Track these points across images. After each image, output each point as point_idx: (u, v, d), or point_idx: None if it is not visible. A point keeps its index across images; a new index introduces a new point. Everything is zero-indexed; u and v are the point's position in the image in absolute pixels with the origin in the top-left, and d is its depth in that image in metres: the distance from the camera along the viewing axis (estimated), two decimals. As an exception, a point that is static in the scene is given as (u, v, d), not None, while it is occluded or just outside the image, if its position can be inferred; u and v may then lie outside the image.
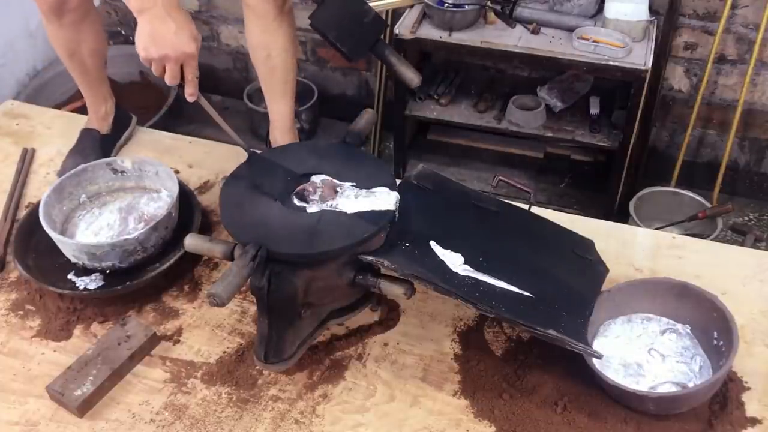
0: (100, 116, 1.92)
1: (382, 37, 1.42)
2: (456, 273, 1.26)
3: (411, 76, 1.42)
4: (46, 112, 2.16)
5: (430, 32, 2.72)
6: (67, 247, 1.48)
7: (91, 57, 1.81)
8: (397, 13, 2.86)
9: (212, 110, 1.38)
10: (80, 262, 1.49)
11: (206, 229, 1.67)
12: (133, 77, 3.51)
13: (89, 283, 1.48)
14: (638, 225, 2.50)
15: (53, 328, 1.45)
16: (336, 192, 1.32)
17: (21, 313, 1.49)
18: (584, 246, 1.47)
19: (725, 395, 1.28)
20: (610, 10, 2.60)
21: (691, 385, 1.27)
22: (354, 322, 1.43)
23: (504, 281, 1.27)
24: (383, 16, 2.84)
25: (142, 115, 3.00)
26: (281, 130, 1.87)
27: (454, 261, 1.27)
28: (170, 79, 1.30)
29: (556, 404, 1.28)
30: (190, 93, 1.34)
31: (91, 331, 1.46)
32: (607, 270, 1.42)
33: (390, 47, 1.44)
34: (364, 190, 1.32)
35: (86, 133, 1.90)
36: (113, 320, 1.47)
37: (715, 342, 1.30)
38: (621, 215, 2.82)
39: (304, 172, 1.37)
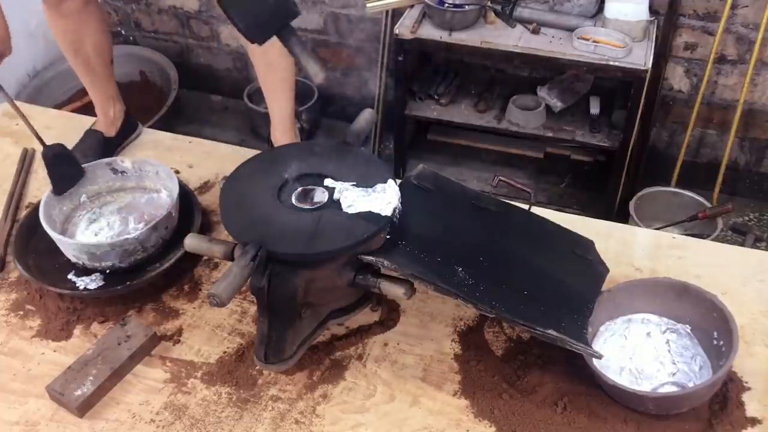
0: (108, 120, 1.91)
1: (292, 24, 1.28)
2: (456, 272, 1.26)
3: (315, 71, 1.31)
4: (47, 112, 2.16)
5: (430, 32, 2.73)
6: (67, 247, 1.48)
7: (96, 54, 1.81)
8: (397, 13, 2.87)
9: None
10: (80, 262, 1.49)
11: (206, 229, 1.67)
12: (133, 77, 3.51)
13: (89, 283, 1.48)
14: (638, 225, 2.50)
15: (53, 328, 1.45)
16: (335, 196, 1.31)
17: (21, 313, 1.49)
18: (584, 246, 1.47)
19: (725, 395, 1.28)
20: (610, 10, 2.61)
21: (691, 385, 1.27)
22: (354, 322, 1.43)
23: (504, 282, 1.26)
24: (383, 17, 2.86)
25: (142, 115, 2.99)
26: (282, 130, 1.87)
27: None
28: None
29: (556, 404, 1.27)
30: None
31: (91, 331, 1.45)
32: (607, 270, 1.42)
33: (298, 36, 1.31)
34: (364, 190, 1.32)
35: (90, 134, 1.90)
36: (113, 320, 1.46)
37: (715, 342, 1.29)
38: (621, 215, 2.82)
39: (304, 172, 1.37)
